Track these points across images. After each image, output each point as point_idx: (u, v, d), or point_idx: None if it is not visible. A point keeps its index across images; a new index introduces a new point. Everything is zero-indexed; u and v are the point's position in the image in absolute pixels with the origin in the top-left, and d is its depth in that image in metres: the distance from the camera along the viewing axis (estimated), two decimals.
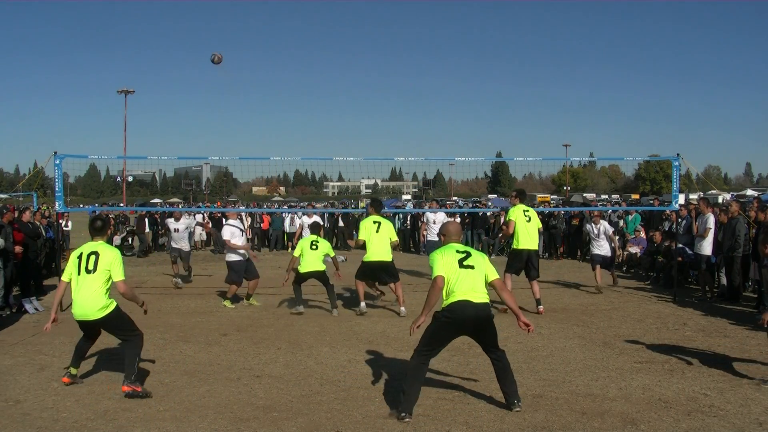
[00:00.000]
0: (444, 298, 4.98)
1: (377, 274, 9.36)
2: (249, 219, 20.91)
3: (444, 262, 5.00)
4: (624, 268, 14.93)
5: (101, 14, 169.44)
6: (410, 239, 21.27)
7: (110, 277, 5.42)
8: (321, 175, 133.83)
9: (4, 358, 6.68)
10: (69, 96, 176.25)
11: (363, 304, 9.30)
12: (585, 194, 66.51)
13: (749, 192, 41.66)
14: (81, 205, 50.64)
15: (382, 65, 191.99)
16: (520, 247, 9.47)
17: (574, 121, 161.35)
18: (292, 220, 21.03)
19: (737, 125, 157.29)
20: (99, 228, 5.64)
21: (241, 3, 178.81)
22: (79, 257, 5.43)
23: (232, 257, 9.97)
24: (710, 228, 10.62)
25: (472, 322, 4.89)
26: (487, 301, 4.95)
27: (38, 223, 12.54)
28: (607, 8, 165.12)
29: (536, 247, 9.78)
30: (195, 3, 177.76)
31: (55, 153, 9.80)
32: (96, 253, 5.41)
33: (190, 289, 12.12)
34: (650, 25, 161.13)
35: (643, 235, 14.90)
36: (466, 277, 4.93)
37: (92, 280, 5.34)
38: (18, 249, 9.57)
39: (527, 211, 9.63)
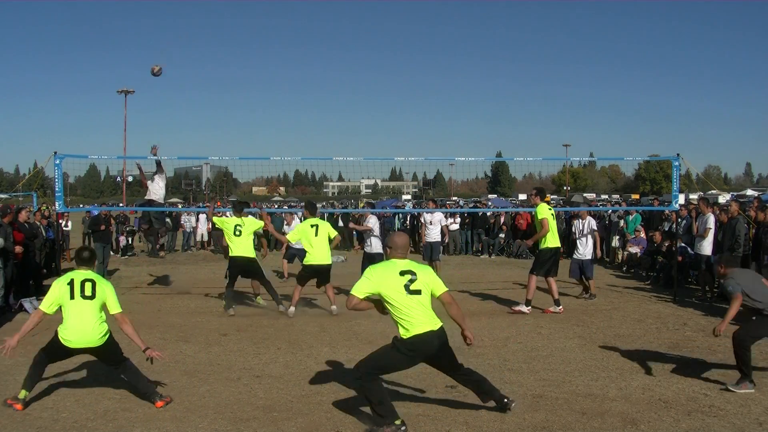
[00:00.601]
0: (398, 327, 4.63)
1: (316, 277, 9.25)
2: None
3: (384, 285, 4.58)
4: (624, 268, 14.94)
5: (101, 14, 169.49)
6: (410, 239, 21.25)
7: (103, 306, 5.25)
8: (321, 175, 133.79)
9: (4, 358, 6.66)
10: (69, 96, 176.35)
11: (292, 308, 9.08)
12: (585, 194, 66.51)
13: (749, 192, 41.66)
14: (81, 205, 50.62)
15: (382, 65, 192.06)
16: (553, 245, 9.32)
17: (574, 121, 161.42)
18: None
19: (737, 125, 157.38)
20: (87, 258, 5.46)
21: (241, 3, 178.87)
22: (70, 284, 5.17)
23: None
24: (710, 228, 10.62)
25: (435, 351, 4.66)
26: (441, 323, 4.71)
27: (38, 223, 12.55)
28: (608, 8, 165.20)
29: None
30: (195, 3, 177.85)
31: (55, 153, 9.81)
32: (92, 281, 5.25)
33: (190, 288, 12.12)
34: (650, 24, 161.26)
35: (643, 235, 14.89)
36: (418, 306, 4.61)
37: (92, 307, 5.15)
38: (18, 249, 9.57)
39: (550, 209, 9.60)
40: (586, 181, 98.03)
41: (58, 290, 5.17)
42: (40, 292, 10.89)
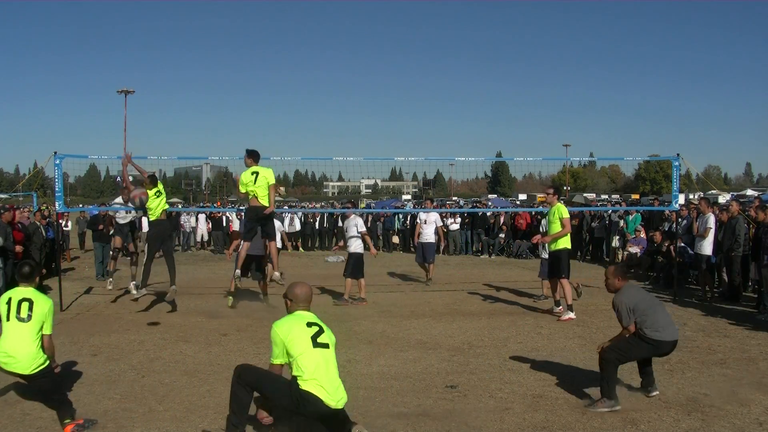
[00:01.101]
0: (296, 376, 4.12)
1: (260, 224, 8.99)
2: None
3: (292, 340, 4.10)
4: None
5: (101, 14, 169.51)
6: (410, 239, 21.28)
7: (41, 330, 4.80)
8: (321, 175, 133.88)
9: None
10: (69, 96, 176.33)
11: (238, 271, 9.03)
12: (585, 194, 66.47)
13: (749, 192, 41.65)
14: (81, 205, 50.60)
15: (383, 65, 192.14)
16: (569, 246, 9.14)
17: (574, 121, 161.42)
18: (292, 220, 21.04)
19: (737, 125, 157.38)
20: (27, 274, 5.02)
21: (241, 2, 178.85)
22: (8, 303, 4.80)
23: None
24: (711, 228, 10.62)
25: (319, 424, 4.15)
26: (345, 400, 4.18)
27: (37, 223, 12.55)
28: (608, 8, 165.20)
29: None
30: (195, 3, 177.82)
31: (55, 153, 9.80)
32: (30, 300, 4.82)
33: (190, 288, 12.11)
34: (650, 24, 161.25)
35: (643, 235, 14.90)
36: (322, 361, 4.09)
37: (26, 330, 4.71)
38: (18, 248, 9.57)
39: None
40: (586, 181, 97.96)
41: None
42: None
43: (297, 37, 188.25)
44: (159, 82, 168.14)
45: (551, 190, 9.37)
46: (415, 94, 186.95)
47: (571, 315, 8.80)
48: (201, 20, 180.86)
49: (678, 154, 10.54)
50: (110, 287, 11.06)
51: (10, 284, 9.57)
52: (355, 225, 10.24)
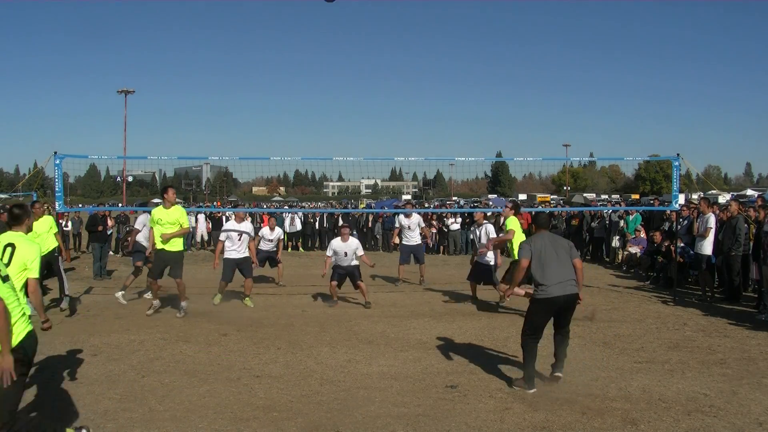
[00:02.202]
0: None
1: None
2: (248, 219, 20.90)
3: None
4: (624, 268, 14.94)
5: (101, 14, 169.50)
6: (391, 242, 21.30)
7: (24, 281, 4.43)
8: (321, 175, 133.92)
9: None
10: (69, 96, 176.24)
11: (156, 302, 9.20)
12: (585, 194, 66.53)
13: (749, 192, 41.67)
14: (81, 205, 50.63)
15: (383, 65, 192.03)
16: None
17: (574, 121, 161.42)
18: (292, 220, 21.04)
19: (737, 125, 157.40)
20: (16, 216, 4.74)
21: (241, 2, 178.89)
22: None
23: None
24: (711, 227, 10.62)
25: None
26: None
27: None
28: (607, 8, 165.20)
29: None
30: (195, 3, 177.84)
31: (55, 153, 9.81)
32: (12, 245, 4.51)
33: (189, 289, 12.09)
34: (650, 24, 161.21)
35: (643, 235, 14.90)
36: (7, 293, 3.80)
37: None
38: None
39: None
40: (586, 181, 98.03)
41: None
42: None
43: (297, 37, 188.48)
44: (159, 82, 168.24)
45: (510, 205, 10.05)
46: (415, 94, 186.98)
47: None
48: (201, 20, 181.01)
49: (678, 154, 10.54)
50: (124, 302, 10.59)
51: None
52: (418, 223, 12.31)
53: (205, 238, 21.96)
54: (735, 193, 38.11)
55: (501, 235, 9.86)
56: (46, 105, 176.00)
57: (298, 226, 21.28)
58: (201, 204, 46.86)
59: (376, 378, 5.94)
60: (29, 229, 5.00)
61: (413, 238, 12.43)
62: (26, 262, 4.47)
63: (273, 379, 5.90)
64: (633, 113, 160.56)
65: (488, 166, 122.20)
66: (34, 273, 4.47)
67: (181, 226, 8.87)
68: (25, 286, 4.44)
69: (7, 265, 4.37)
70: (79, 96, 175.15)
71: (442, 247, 20.34)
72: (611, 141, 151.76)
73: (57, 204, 10.00)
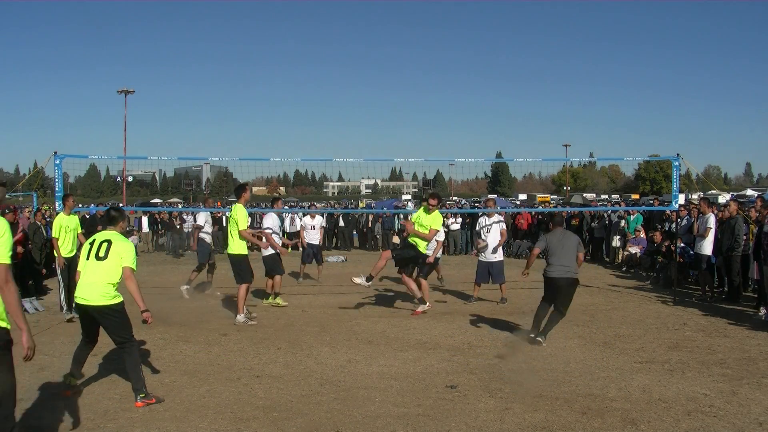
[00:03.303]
0: None
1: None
2: (249, 219, 20.89)
3: None
4: (624, 268, 14.94)
5: (101, 14, 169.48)
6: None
7: (121, 271, 5.26)
8: (321, 176, 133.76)
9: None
10: (69, 96, 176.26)
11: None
12: (585, 194, 66.53)
13: (749, 192, 41.68)
14: (80, 205, 50.63)
15: (382, 65, 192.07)
16: (423, 251, 9.03)
17: (574, 121, 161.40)
18: (293, 220, 21.01)
19: (737, 125, 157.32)
20: (112, 218, 5.60)
21: (241, 2, 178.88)
22: (92, 244, 5.39)
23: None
24: (711, 227, 10.62)
25: None
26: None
27: (38, 223, 12.53)
28: (608, 7, 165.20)
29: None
30: (195, 3, 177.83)
31: (55, 153, 9.81)
32: (109, 242, 5.33)
33: (189, 288, 12.10)
34: (650, 24, 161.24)
35: (643, 235, 14.90)
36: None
37: (102, 267, 5.23)
38: (19, 249, 9.57)
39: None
40: (586, 181, 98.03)
41: (83, 250, 5.48)
42: (41, 292, 10.89)
43: (297, 37, 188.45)
44: (159, 81, 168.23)
45: (435, 200, 9.00)
46: (415, 94, 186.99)
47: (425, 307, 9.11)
48: (201, 20, 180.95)
49: (678, 154, 10.54)
50: (187, 296, 10.74)
51: None
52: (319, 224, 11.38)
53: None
54: (735, 193, 38.15)
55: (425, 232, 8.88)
56: (46, 105, 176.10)
57: (298, 226, 21.25)
58: (201, 204, 46.82)
59: (376, 378, 5.94)
60: (124, 231, 5.78)
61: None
62: (122, 255, 5.27)
63: (273, 379, 5.90)
64: (633, 113, 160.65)
65: (488, 166, 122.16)
66: (129, 263, 5.28)
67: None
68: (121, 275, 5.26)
69: (106, 256, 5.26)
70: (79, 96, 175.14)
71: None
72: (611, 141, 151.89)
73: (57, 204, 9.99)
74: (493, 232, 10.42)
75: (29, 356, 3.76)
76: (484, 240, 10.33)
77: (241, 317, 8.54)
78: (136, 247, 18.31)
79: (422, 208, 9.07)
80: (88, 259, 5.32)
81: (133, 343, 5.34)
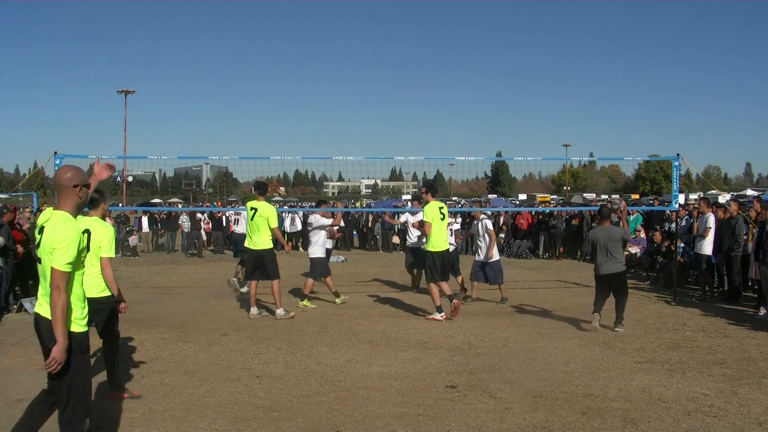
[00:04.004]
0: None
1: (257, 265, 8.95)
2: None
3: None
4: None
5: (101, 14, 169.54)
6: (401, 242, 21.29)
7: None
8: (321, 175, 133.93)
9: (4, 358, 6.68)
10: (69, 96, 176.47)
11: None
12: (585, 194, 66.49)
13: (749, 192, 41.65)
14: None
15: (382, 64, 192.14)
16: (435, 249, 8.74)
17: (574, 120, 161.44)
18: (293, 220, 21.03)
19: (737, 125, 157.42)
20: (94, 200, 5.19)
21: (240, 2, 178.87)
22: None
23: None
24: (711, 227, 10.62)
25: None
26: None
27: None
28: (608, 7, 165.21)
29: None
30: (195, 3, 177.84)
31: (55, 153, 9.81)
32: (88, 231, 4.75)
33: (189, 289, 12.12)
34: (651, 24, 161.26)
35: (643, 235, 14.89)
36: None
37: (86, 259, 4.88)
38: (19, 249, 9.57)
39: (442, 208, 8.87)
40: (586, 181, 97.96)
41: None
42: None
43: (297, 37, 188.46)
44: (159, 81, 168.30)
45: (424, 189, 9.15)
46: (415, 93, 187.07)
47: (437, 316, 8.69)
48: (201, 20, 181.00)
49: (678, 154, 10.54)
50: (238, 287, 11.07)
51: (12, 284, 9.61)
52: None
53: (204, 238, 21.97)
54: (735, 193, 38.08)
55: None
56: (46, 105, 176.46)
57: (299, 226, 21.26)
58: (201, 204, 46.84)
59: (376, 378, 5.94)
60: (104, 214, 5.56)
61: (415, 239, 12.30)
62: (99, 244, 5.09)
63: (273, 379, 5.90)
64: (633, 113, 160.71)
65: (488, 166, 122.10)
66: (106, 252, 5.14)
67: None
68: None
69: (87, 250, 4.50)
70: (79, 96, 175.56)
71: None
72: (611, 141, 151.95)
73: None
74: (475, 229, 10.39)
75: (53, 368, 3.59)
76: (462, 236, 10.33)
77: (281, 311, 8.75)
78: (135, 247, 18.34)
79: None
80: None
81: (116, 334, 5.47)
